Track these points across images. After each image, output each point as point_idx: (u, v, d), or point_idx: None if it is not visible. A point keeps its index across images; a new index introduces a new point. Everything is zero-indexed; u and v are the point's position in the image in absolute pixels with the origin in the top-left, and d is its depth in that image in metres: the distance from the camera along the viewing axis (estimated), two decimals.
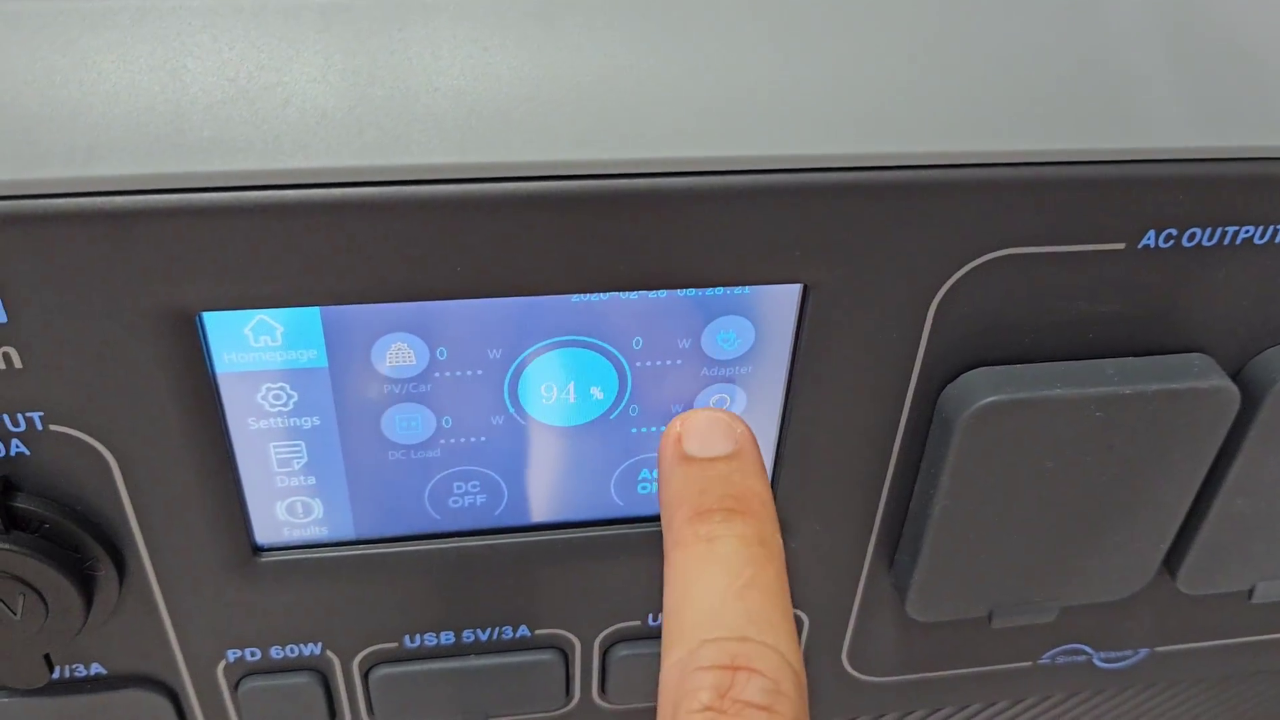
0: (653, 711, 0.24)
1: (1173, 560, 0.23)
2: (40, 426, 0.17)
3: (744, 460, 0.18)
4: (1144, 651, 0.26)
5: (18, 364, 0.17)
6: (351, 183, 0.16)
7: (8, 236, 0.15)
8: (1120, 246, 0.18)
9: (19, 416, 0.17)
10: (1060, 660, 0.26)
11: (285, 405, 0.18)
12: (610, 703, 0.24)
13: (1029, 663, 0.25)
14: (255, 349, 0.18)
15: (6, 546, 0.18)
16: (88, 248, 0.16)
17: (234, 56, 0.16)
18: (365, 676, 0.22)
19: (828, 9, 0.17)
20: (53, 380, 0.17)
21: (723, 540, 0.17)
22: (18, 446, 0.18)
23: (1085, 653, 0.26)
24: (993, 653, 0.25)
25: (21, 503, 0.18)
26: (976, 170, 0.17)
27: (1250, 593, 0.24)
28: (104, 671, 0.21)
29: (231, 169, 0.15)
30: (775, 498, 0.21)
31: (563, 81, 0.16)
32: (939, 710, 0.27)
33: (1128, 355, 0.20)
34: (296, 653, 0.22)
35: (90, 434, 0.18)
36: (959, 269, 0.18)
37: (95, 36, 0.15)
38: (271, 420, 0.18)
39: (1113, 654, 0.26)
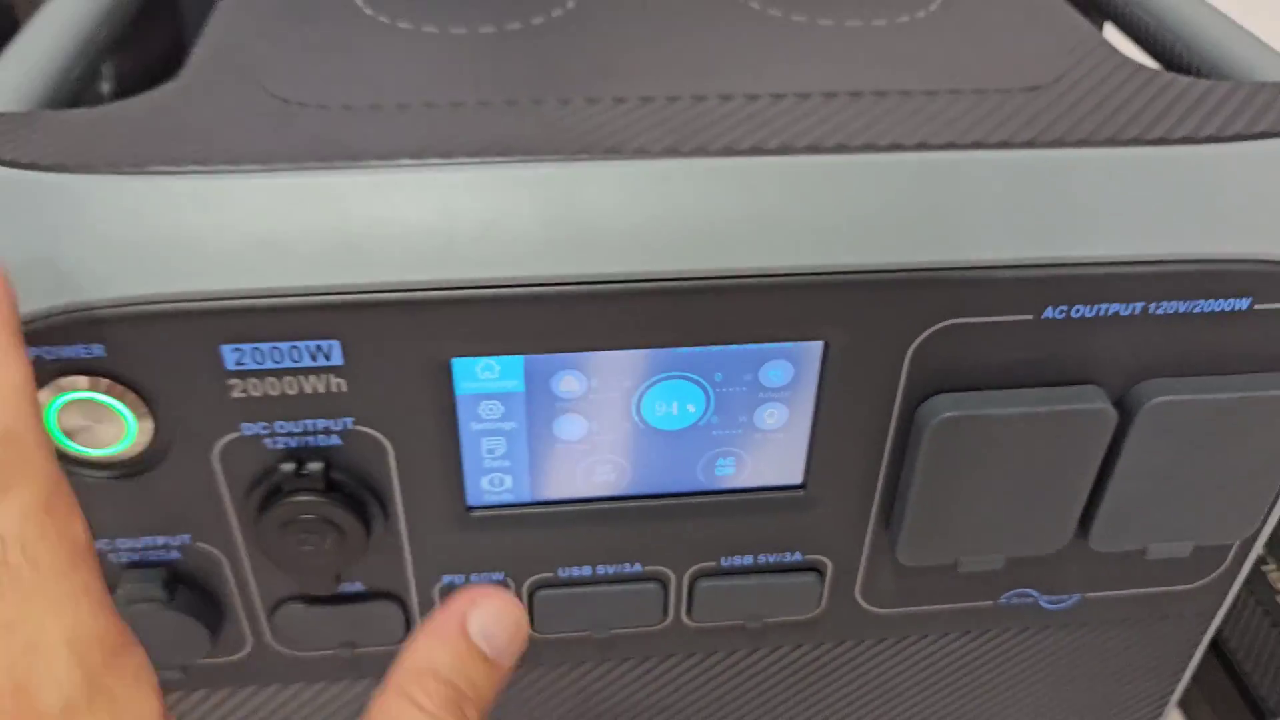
0: (722, 630, 0.35)
1: (1085, 525, 0.33)
2: (350, 426, 0.28)
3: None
4: (1077, 596, 0.36)
5: (344, 389, 0.27)
6: (544, 283, 0.26)
7: (350, 317, 0.26)
8: (1030, 317, 0.28)
9: (339, 421, 0.28)
10: (1014, 601, 0.35)
11: (496, 415, 0.29)
12: (694, 621, 0.34)
13: (990, 602, 0.35)
14: (481, 379, 0.28)
15: (328, 500, 0.29)
16: (393, 322, 0.26)
17: (481, 204, 0.26)
18: (530, 596, 0.33)
19: (818, 169, 0.27)
20: (361, 398, 0.28)
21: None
22: (335, 440, 0.28)
23: (1032, 595, 0.35)
24: (963, 592, 0.35)
25: (335, 474, 0.29)
26: (932, 271, 0.27)
27: (1144, 551, 0.34)
28: (362, 588, 0.32)
29: (468, 276, 0.26)
30: (808, 482, 0.31)
31: (663, 213, 0.26)
32: (926, 636, 0.37)
33: (1043, 386, 0.30)
34: (487, 579, 0.32)
35: (379, 431, 0.28)
36: (924, 331, 0.28)
37: (382, 190, 0.26)
38: (486, 424, 0.29)
39: (1054, 597, 0.36)
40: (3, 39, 0.41)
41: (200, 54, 0.31)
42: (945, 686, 0.38)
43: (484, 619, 0.24)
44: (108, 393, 0.26)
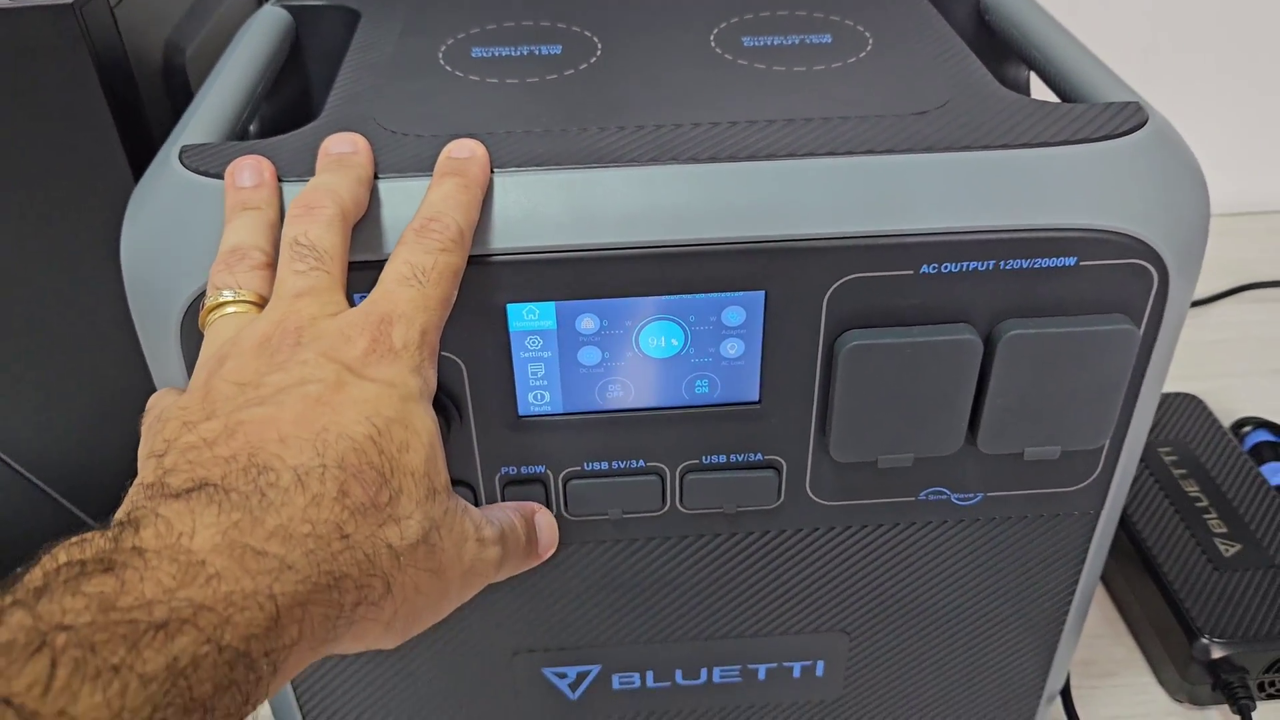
0: (707, 516, 0.47)
1: (972, 430, 0.44)
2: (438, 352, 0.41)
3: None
4: (980, 495, 0.47)
5: None
6: (569, 250, 0.39)
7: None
8: (911, 272, 0.40)
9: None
10: (931, 497, 0.47)
11: (537, 347, 0.41)
12: (685, 508, 0.46)
13: (912, 497, 0.47)
14: (527, 320, 0.41)
15: None
16: (467, 279, 0.39)
17: (526, 197, 0.39)
18: (565, 485, 0.45)
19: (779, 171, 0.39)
20: (446, 332, 0.40)
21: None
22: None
23: (945, 493, 0.47)
24: (888, 489, 0.46)
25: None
26: (835, 239, 0.39)
27: (1022, 454, 0.45)
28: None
29: (518, 245, 0.39)
30: (763, 398, 0.43)
31: (649, 203, 0.39)
32: (865, 526, 0.48)
33: (928, 324, 0.41)
34: (531, 471, 0.44)
35: (457, 356, 0.41)
36: (835, 283, 0.40)
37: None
38: (530, 353, 0.42)
39: (962, 495, 0.47)
40: (178, 92, 0.56)
41: (333, 101, 0.44)
42: (885, 572, 0.50)
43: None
44: None
